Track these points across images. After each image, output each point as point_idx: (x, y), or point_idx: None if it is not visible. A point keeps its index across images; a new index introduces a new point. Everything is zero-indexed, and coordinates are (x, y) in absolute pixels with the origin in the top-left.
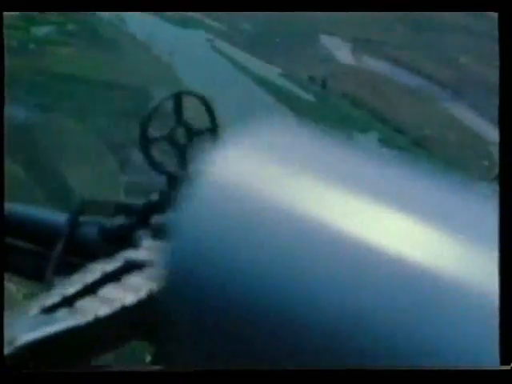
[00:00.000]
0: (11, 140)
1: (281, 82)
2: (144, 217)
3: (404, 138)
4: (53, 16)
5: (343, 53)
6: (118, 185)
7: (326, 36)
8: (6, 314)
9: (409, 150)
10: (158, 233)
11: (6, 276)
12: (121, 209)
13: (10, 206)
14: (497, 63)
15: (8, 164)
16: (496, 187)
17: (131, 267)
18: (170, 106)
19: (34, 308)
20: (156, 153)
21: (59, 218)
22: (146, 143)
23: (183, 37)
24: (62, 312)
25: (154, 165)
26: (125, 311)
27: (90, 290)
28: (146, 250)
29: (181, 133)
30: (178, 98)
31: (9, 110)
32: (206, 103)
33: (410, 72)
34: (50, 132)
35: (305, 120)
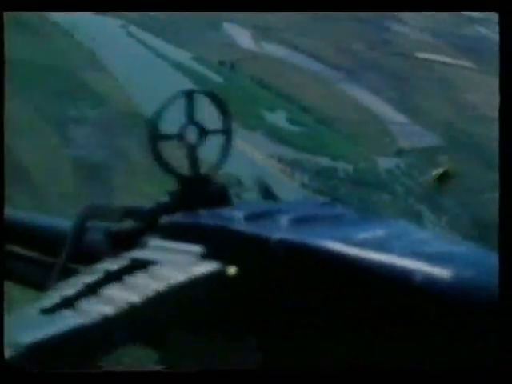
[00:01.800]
0: None
1: (193, 65)
2: (153, 220)
3: (309, 116)
4: None
5: (245, 39)
6: (63, 158)
7: (228, 23)
8: (6, 315)
9: (314, 128)
10: (166, 233)
11: (7, 280)
12: (129, 213)
13: (12, 214)
14: (388, 49)
15: None
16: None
17: (135, 267)
18: (180, 103)
19: (34, 309)
20: (165, 152)
21: (63, 224)
22: (155, 142)
23: (102, 24)
24: (63, 313)
25: (163, 165)
26: (129, 310)
27: (92, 290)
28: (152, 249)
29: (192, 132)
30: (189, 96)
31: None
32: (219, 103)
33: (309, 57)
34: None
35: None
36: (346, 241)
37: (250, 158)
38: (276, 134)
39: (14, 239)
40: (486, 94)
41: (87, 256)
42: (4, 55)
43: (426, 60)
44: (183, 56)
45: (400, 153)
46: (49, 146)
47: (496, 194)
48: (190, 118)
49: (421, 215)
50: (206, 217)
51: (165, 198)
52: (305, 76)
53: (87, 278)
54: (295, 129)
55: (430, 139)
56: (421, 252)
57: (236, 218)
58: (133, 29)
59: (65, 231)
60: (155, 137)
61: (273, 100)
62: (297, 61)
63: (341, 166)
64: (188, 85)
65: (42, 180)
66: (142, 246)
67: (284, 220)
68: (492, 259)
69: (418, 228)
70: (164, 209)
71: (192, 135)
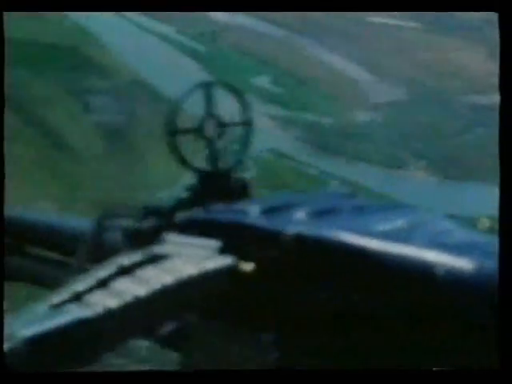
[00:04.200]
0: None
1: (178, 37)
2: (172, 216)
3: (290, 79)
4: None
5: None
6: (87, 124)
7: None
8: (10, 311)
9: (295, 89)
10: (184, 228)
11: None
12: (149, 212)
13: (29, 214)
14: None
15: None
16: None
17: (149, 261)
18: (199, 95)
19: (42, 305)
20: (183, 146)
21: (82, 224)
22: (172, 135)
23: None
24: (69, 307)
25: (181, 159)
26: (136, 303)
27: (103, 284)
28: (169, 244)
29: (211, 125)
30: (208, 87)
31: None
32: (239, 95)
33: (279, 26)
34: (17, 84)
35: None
36: (365, 233)
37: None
38: (263, 96)
39: (32, 240)
40: (435, 52)
41: (106, 255)
42: (4, 55)
43: (381, 24)
44: (168, 30)
45: (375, 107)
46: (73, 114)
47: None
48: (209, 111)
49: (403, 160)
50: (222, 211)
51: (183, 194)
52: (277, 43)
53: (100, 272)
54: (279, 90)
55: (397, 94)
56: (442, 243)
57: (252, 212)
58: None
59: (83, 231)
60: (173, 131)
61: (254, 65)
62: (267, 30)
63: (325, 120)
64: (175, 54)
65: (75, 143)
66: (160, 241)
67: (301, 213)
68: None
69: (438, 217)
70: (183, 205)
71: (211, 128)
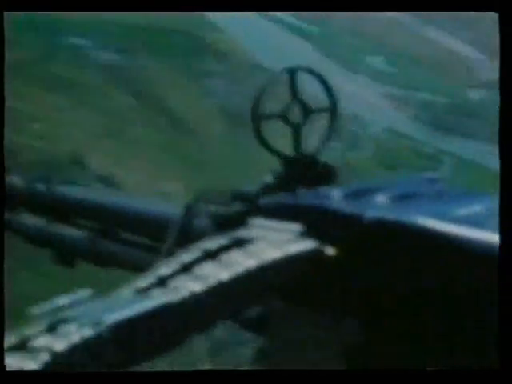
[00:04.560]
0: (121, 77)
1: (293, 20)
2: (257, 201)
3: (403, 58)
4: None
5: None
6: (211, 105)
7: None
8: (96, 296)
9: (409, 69)
10: (268, 213)
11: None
12: (236, 196)
13: (119, 199)
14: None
15: (121, 95)
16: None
17: (233, 245)
18: (283, 81)
19: (128, 290)
20: (268, 131)
21: (170, 209)
22: (257, 120)
23: None
24: (154, 291)
25: (266, 144)
26: (219, 287)
27: (187, 268)
28: (253, 228)
29: (296, 111)
30: (292, 73)
31: (107, 55)
32: (323, 80)
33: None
34: (140, 70)
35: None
36: (443, 217)
37: (361, 97)
38: (377, 76)
39: (122, 224)
40: None
41: (195, 241)
42: (4, 55)
43: None
44: (283, 14)
45: (486, 85)
46: (192, 97)
47: None
48: (294, 97)
49: None
50: (306, 196)
51: (269, 179)
52: (389, 23)
53: (185, 257)
54: (393, 69)
55: None
56: None
57: (335, 196)
58: None
59: (172, 216)
60: (258, 116)
61: (367, 46)
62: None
63: (439, 99)
64: (290, 36)
65: (196, 126)
66: (246, 226)
67: (383, 197)
68: None
69: None
70: (269, 190)
71: (296, 114)
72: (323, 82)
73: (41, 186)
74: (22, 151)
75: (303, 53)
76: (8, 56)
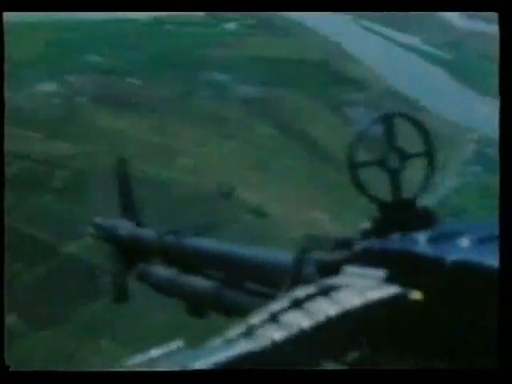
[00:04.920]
0: (262, 110)
1: (424, 47)
2: (354, 248)
3: None
4: (233, 14)
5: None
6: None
7: None
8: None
9: None
10: (361, 259)
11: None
12: (340, 243)
13: (240, 249)
14: None
15: (264, 127)
16: None
17: (321, 293)
18: (379, 127)
19: (219, 338)
20: (365, 177)
21: (283, 257)
22: (354, 167)
23: (333, 19)
24: (241, 340)
25: (364, 191)
26: (300, 335)
27: (275, 317)
28: (344, 275)
29: (393, 157)
30: (389, 120)
31: (247, 88)
32: (419, 125)
33: None
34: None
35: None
36: None
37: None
38: None
39: (244, 274)
40: None
41: (303, 285)
42: (4, 55)
43: None
44: (413, 40)
45: None
46: (334, 126)
47: None
48: (391, 143)
49: None
50: (395, 241)
51: (367, 225)
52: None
53: (275, 306)
54: None
55: None
56: None
57: (420, 240)
58: (364, 22)
59: (283, 264)
60: (355, 163)
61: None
62: None
63: None
64: (423, 63)
65: (337, 154)
66: (341, 272)
67: (466, 240)
68: None
69: None
70: (367, 236)
71: (393, 159)
72: (419, 127)
73: (171, 238)
74: (171, 185)
75: (438, 79)
76: (150, 93)
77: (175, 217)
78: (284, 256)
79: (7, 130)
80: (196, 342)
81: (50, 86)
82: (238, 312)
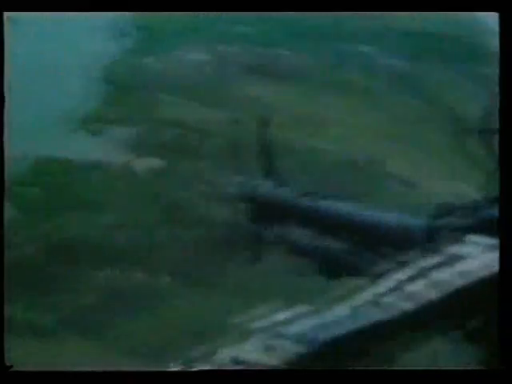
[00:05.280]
0: (409, 84)
1: None
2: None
3: None
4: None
5: None
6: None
7: None
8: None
9: None
10: (482, 228)
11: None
12: (466, 210)
13: (372, 213)
14: None
15: (410, 100)
16: None
17: (446, 263)
18: None
19: (344, 307)
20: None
21: (415, 223)
22: (490, 134)
23: None
24: (368, 309)
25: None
26: (429, 306)
27: (400, 286)
28: (467, 245)
29: None
30: None
31: (394, 61)
32: None
33: None
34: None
35: None
36: None
37: None
38: None
39: (375, 237)
40: None
41: (438, 252)
42: (4, 55)
43: None
44: None
45: None
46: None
47: None
48: None
49: None
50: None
51: (495, 194)
52: None
53: (401, 274)
54: None
55: None
56: None
57: None
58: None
59: (415, 229)
60: (490, 131)
61: None
62: None
63: None
64: None
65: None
66: (462, 242)
67: None
68: None
69: None
70: (489, 204)
71: None
72: None
73: (308, 200)
74: (315, 154)
75: None
76: (298, 64)
77: (321, 183)
78: (416, 221)
79: (161, 96)
80: (323, 306)
81: (201, 55)
82: (369, 275)
